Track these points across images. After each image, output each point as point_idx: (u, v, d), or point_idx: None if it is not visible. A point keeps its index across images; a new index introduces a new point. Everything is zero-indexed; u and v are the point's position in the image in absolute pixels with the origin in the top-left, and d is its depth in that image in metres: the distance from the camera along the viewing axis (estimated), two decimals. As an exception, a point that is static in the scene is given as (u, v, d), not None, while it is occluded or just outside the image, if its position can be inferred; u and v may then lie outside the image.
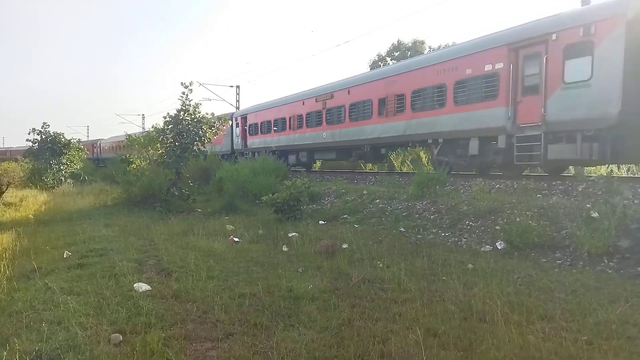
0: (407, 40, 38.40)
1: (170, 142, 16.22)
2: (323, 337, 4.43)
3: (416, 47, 37.17)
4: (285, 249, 8.45)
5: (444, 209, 10.05)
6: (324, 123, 18.85)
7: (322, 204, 13.47)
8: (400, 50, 38.03)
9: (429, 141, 13.96)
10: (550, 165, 11.57)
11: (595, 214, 7.25)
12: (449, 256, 7.42)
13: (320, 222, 11.23)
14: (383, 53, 39.19)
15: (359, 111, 16.88)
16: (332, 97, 18.57)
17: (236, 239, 9.24)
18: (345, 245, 8.36)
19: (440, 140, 13.53)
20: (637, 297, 5.19)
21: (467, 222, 9.16)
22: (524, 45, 11.19)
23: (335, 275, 6.50)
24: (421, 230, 9.51)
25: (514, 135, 11.28)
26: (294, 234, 9.63)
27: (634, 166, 14.87)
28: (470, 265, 6.79)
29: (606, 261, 6.55)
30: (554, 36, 10.44)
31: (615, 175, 11.30)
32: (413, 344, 4.21)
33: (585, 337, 4.22)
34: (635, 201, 8.04)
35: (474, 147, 12.41)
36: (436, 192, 11.17)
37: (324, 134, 18.86)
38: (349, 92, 17.58)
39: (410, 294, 5.61)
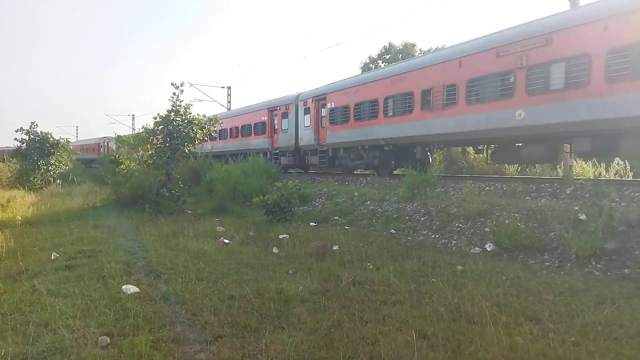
0: (398, 43, 38.62)
1: (161, 143, 16.10)
2: (312, 339, 4.42)
3: (407, 50, 37.38)
4: (275, 250, 8.43)
5: (434, 211, 10.10)
6: (218, 139, 29.36)
7: (313, 205, 13.47)
8: (391, 53, 38.22)
9: (247, 153, 24.16)
10: (284, 168, 22.19)
11: (582, 217, 7.34)
12: (438, 258, 7.46)
13: (311, 223, 11.22)
14: (374, 55, 39.37)
15: (227, 134, 28.64)
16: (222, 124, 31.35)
17: (226, 241, 9.20)
18: (335, 247, 8.36)
19: (251, 153, 23.78)
20: (624, 298, 5.25)
21: (457, 224, 9.21)
22: (272, 110, 23.29)
23: (326, 277, 6.49)
24: (411, 232, 9.55)
25: (272, 152, 23.28)
26: (284, 235, 9.61)
27: (621, 170, 15.36)
28: (459, 267, 6.83)
29: (593, 263, 6.63)
30: (279, 107, 22.64)
31: (602, 178, 11.50)
32: (402, 346, 4.22)
33: (572, 339, 4.26)
34: (622, 203, 8.16)
35: (261, 156, 23.21)
36: (426, 194, 11.22)
37: (220, 145, 29.84)
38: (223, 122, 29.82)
39: (400, 295, 5.63)
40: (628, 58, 8.96)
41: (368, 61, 39.51)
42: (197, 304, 5.40)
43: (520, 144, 12.00)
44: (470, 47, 12.58)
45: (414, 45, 38.05)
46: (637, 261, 6.40)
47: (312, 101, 19.80)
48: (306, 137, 20.16)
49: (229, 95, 39.38)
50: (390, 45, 38.78)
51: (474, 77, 12.20)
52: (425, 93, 13.59)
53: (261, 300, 5.52)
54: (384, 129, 15.31)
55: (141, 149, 20.35)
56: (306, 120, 20.15)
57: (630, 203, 8.16)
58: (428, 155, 15.99)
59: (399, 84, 14.64)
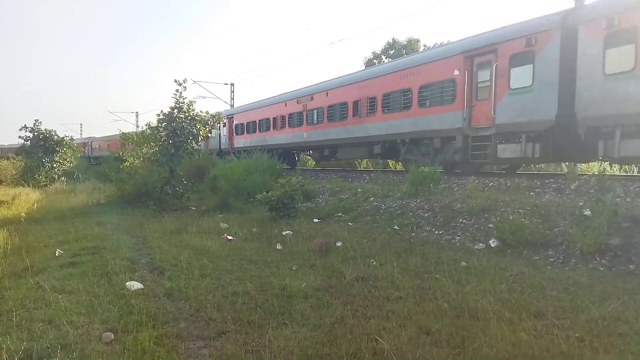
0: (402, 38, 38.45)
1: (164, 140, 16.15)
2: (316, 335, 4.42)
3: (411, 46, 37.23)
4: (279, 247, 8.43)
5: (438, 207, 10.06)
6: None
7: (316, 202, 13.46)
8: (395, 49, 38.07)
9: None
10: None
11: (587, 212, 7.29)
12: (442, 254, 7.43)
13: (314, 220, 11.22)
14: (378, 51, 39.24)
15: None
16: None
17: (230, 237, 9.21)
18: (339, 244, 8.35)
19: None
20: (628, 294, 5.22)
21: (460, 220, 9.18)
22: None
23: (329, 273, 6.49)
24: (415, 228, 9.52)
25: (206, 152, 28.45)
26: (288, 232, 9.60)
27: (626, 165, 15.37)
28: (463, 263, 6.80)
29: (598, 259, 6.59)
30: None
31: (607, 173, 11.44)
32: (406, 342, 4.21)
33: (577, 334, 4.24)
34: (627, 199, 8.10)
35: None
36: (430, 190, 11.18)
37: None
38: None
39: (403, 291, 5.61)
40: (332, 112, 18.75)
41: (372, 57, 39.39)
42: (200, 300, 5.41)
43: (311, 150, 22.39)
44: (289, 96, 22.35)
45: (418, 40, 37.90)
46: (642, 257, 6.36)
47: (226, 118, 27.84)
48: (225, 142, 29.01)
49: (232, 92, 39.41)
50: (394, 40, 38.64)
51: (290, 112, 21.84)
52: (274, 119, 23.32)
53: (264, 296, 5.52)
54: (259, 139, 24.82)
55: (145, 146, 20.40)
56: (224, 131, 28.86)
57: (635, 198, 8.10)
58: (293, 155, 25.05)
59: (265, 112, 24.38)
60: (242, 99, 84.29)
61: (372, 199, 12.04)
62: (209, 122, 17.91)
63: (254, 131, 25.35)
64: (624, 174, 14.61)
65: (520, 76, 11.35)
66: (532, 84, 11.10)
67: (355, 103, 17.24)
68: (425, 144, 14.47)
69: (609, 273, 6.19)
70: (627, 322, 4.50)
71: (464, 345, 4.13)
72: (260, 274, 6.51)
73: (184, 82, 16.29)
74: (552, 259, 6.93)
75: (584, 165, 15.24)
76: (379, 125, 16.07)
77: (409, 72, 14.84)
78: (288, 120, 21.94)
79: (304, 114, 20.64)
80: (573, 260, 6.74)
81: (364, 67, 34.61)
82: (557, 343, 4.07)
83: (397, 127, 15.21)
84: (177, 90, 16.13)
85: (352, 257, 7.39)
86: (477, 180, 11.02)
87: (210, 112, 18.81)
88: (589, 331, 4.31)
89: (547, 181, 10.24)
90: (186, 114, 16.23)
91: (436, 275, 6.26)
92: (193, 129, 16.38)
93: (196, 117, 16.45)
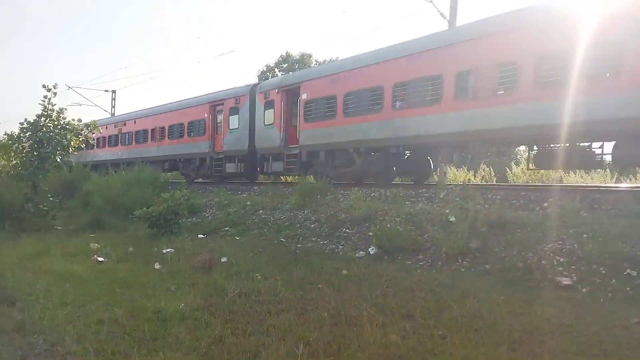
0: (295, 52, 39.37)
1: (27, 152, 14.32)
2: (190, 359, 4.17)
3: (304, 60, 38.28)
4: (157, 266, 7.87)
5: (324, 218, 10.30)
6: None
7: (203, 216, 12.95)
8: (288, 62, 38.79)
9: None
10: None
11: (452, 218, 8.03)
12: (325, 263, 7.59)
13: (199, 235, 10.74)
14: (272, 64, 39.63)
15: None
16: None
17: (100, 259, 8.37)
18: (224, 259, 8.08)
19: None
20: (484, 292, 5.79)
21: (344, 230, 9.49)
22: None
23: (210, 291, 6.22)
24: (301, 239, 9.61)
25: None
26: (169, 249, 9.02)
27: (486, 175, 17.79)
28: (344, 271, 7.01)
29: (460, 261, 7.23)
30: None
31: (471, 183, 12.88)
32: (284, 356, 4.18)
33: (440, 332, 4.58)
34: (486, 206, 9.12)
35: None
36: (317, 202, 11.43)
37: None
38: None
39: (286, 304, 5.60)
40: (139, 136, 24.22)
41: (265, 69, 39.63)
42: (58, 332, 4.80)
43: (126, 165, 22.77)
44: (109, 121, 27.66)
45: (310, 55, 39.14)
46: (495, 257, 7.12)
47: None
48: None
49: (114, 99, 36.61)
50: (288, 54, 39.36)
51: (110, 135, 26.90)
52: (98, 139, 26.11)
53: (135, 322, 5.08)
54: (88, 155, 26.74)
55: (2, 158, 17.84)
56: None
57: (492, 205, 9.13)
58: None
59: (137, 122, 25.66)
60: (127, 107, 78.52)
61: (260, 211, 11.93)
62: (83, 131, 16.37)
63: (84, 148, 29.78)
64: (484, 183, 16.55)
65: (234, 121, 18.30)
66: (238, 127, 18.04)
67: (153, 130, 23.32)
68: (192, 162, 20.92)
69: (468, 273, 6.83)
70: (482, 317, 4.97)
71: (340, 352, 4.22)
72: (133, 298, 5.99)
73: (55, 87, 14.76)
74: (422, 263, 7.47)
75: (452, 176, 17.06)
76: (167, 148, 22.36)
77: (183, 112, 21.37)
78: (108, 141, 27.10)
79: (119, 136, 26.19)
80: (439, 263, 7.33)
81: (256, 80, 34.63)
82: (422, 342, 4.36)
83: (177, 150, 21.56)
84: (45, 97, 14.49)
85: (236, 273, 7.19)
86: (360, 191, 11.55)
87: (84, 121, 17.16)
88: (450, 328, 4.68)
89: (420, 191, 11.12)
90: (55, 123, 14.61)
91: (319, 285, 6.35)
92: (63, 139, 14.81)
93: (67, 126, 14.89)
